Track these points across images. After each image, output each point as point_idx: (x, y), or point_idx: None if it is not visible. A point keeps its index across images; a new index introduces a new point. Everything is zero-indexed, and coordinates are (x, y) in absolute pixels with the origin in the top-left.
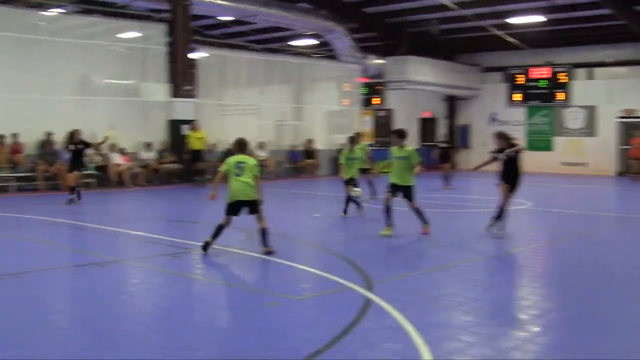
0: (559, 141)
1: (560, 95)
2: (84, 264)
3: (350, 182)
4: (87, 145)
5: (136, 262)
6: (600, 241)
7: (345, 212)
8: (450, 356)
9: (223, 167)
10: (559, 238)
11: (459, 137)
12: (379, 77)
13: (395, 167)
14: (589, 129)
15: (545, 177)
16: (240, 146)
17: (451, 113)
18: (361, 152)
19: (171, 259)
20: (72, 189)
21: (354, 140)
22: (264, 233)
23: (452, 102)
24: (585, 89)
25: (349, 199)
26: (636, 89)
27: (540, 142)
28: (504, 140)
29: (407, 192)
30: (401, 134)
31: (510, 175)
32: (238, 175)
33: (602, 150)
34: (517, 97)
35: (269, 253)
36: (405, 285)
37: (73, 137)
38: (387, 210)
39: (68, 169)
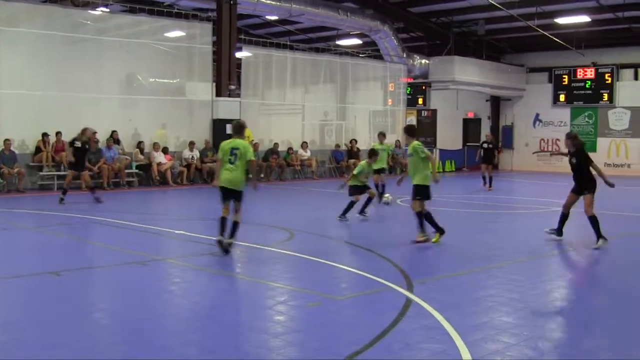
0: (602, 142)
1: (605, 96)
2: (126, 263)
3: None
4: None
5: (178, 261)
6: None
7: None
8: (491, 357)
9: (219, 154)
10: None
11: (502, 138)
12: (424, 77)
13: (409, 166)
14: (633, 130)
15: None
16: (236, 129)
17: (495, 113)
18: (383, 153)
19: (212, 258)
20: (65, 190)
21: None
22: (235, 226)
23: (496, 103)
24: (630, 90)
25: (369, 200)
26: None
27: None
28: (572, 141)
29: (415, 191)
30: (408, 131)
31: (576, 179)
32: (232, 162)
33: None
34: (562, 97)
35: (230, 245)
36: (446, 286)
37: (84, 134)
38: (422, 217)
39: (68, 166)
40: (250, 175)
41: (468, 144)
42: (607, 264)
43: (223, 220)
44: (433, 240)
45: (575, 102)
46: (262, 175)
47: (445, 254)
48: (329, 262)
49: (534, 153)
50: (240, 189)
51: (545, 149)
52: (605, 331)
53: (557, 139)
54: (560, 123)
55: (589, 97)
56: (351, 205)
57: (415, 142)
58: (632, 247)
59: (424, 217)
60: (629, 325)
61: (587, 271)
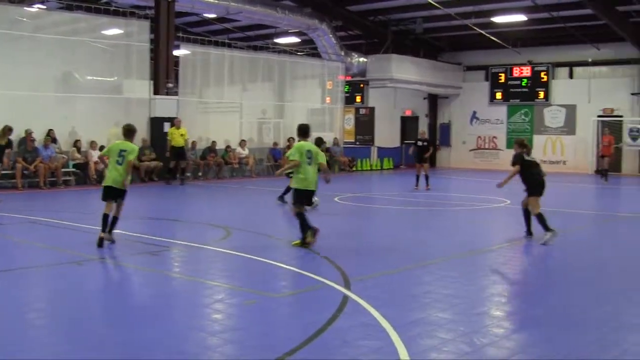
0: (538, 139)
1: (541, 94)
2: (62, 263)
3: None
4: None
5: (115, 261)
6: (575, 239)
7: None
8: (427, 353)
9: (104, 151)
10: (537, 236)
11: (440, 135)
12: (362, 75)
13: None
14: (569, 128)
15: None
16: (126, 132)
17: (432, 111)
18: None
19: (150, 257)
20: None
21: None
22: (114, 221)
23: (434, 101)
24: (565, 88)
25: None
26: (616, 89)
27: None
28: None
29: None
30: (299, 130)
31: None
32: (119, 163)
33: (580, 148)
34: (498, 95)
35: (107, 240)
36: (383, 283)
37: (5, 133)
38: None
39: None
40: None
41: (406, 141)
42: (542, 260)
43: (105, 217)
44: (293, 243)
45: (511, 100)
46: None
47: (382, 251)
48: (266, 260)
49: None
50: (123, 188)
51: (482, 147)
52: (540, 326)
53: (494, 137)
54: (497, 121)
55: (525, 95)
56: (289, 188)
57: (298, 144)
58: (566, 244)
59: (299, 220)
60: (563, 320)
61: (521, 267)
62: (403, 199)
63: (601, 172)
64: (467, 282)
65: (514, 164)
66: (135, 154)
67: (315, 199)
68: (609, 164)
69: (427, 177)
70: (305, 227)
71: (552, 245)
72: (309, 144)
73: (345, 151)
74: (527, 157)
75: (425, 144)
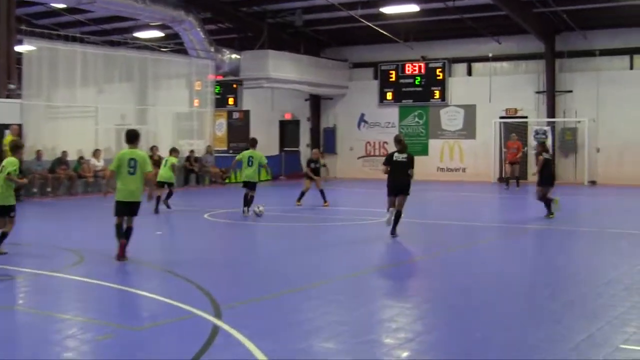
0: (434, 144)
1: (436, 94)
2: None
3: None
4: None
5: None
6: (475, 255)
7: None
8: None
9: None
10: (433, 252)
11: (324, 142)
12: (235, 74)
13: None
14: (468, 131)
15: (418, 184)
16: (13, 148)
17: (315, 114)
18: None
19: None
20: None
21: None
22: (3, 235)
23: (317, 102)
24: (463, 87)
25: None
26: (519, 86)
27: (414, 146)
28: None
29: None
30: (127, 136)
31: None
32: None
33: (481, 154)
34: (389, 95)
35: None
36: (259, 310)
37: None
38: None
39: None
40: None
41: (286, 149)
42: (438, 280)
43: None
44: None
45: (403, 101)
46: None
47: (257, 274)
48: (125, 288)
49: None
50: (7, 204)
51: (372, 153)
52: (437, 353)
53: (385, 142)
54: (388, 124)
55: (418, 94)
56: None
57: (120, 152)
58: (465, 261)
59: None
60: (462, 347)
61: (415, 288)
62: (283, 214)
63: (507, 180)
64: (353, 306)
65: (384, 163)
66: (12, 169)
67: (260, 207)
68: (518, 172)
69: (322, 192)
70: (118, 236)
71: (450, 264)
72: (133, 152)
73: (217, 161)
74: (395, 157)
75: (318, 165)
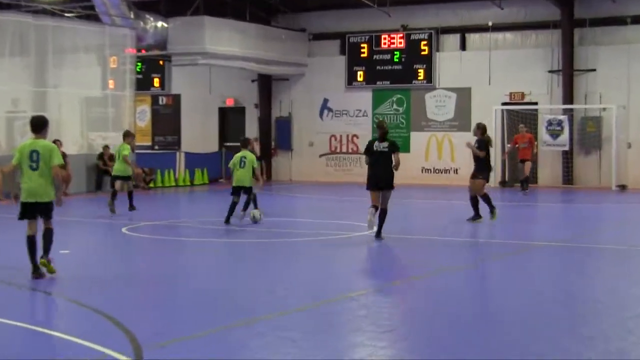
0: (418, 139)
1: (420, 73)
2: None
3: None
4: None
5: None
6: (469, 277)
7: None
8: None
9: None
10: (416, 274)
11: (277, 135)
12: (161, 48)
13: None
14: (461, 122)
15: (399, 189)
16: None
17: (265, 100)
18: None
19: None
20: None
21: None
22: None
23: (267, 84)
24: (455, 64)
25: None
26: (527, 64)
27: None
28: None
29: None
30: (31, 125)
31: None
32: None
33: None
34: (360, 76)
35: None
36: (192, 350)
37: None
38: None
39: None
40: None
41: (227, 144)
42: (418, 310)
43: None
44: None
45: (379, 83)
46: None
47: (191, 305)
48: (18, 323)
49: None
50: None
51: (338, 150)
52: None
53: (355, 135)
54: (359, 112)
55: (398, 74)
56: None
57: (21, 144)
58: (450, 286)
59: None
60: None
61: (391, 320)
62: (224, 228)
63: (522, 182)
64: (312, 345)
65: (364, 153)
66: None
67: (256, 211)
68: (529, 171)
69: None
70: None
71: (437, 290)
72: (35, 142)
73: (139, 159)
74: (375, 146)
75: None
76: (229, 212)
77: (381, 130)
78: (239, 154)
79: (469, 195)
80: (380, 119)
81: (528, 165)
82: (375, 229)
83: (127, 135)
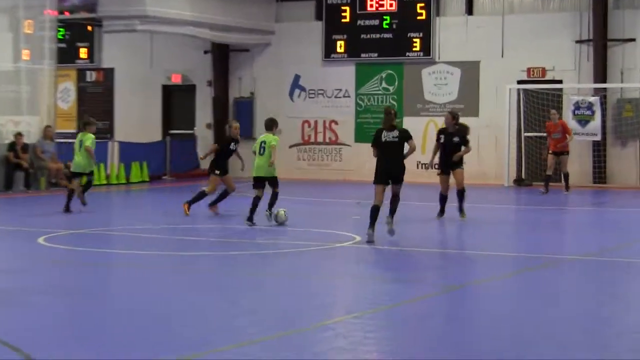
0: (413, 125)
1: (416, 44)
2: None
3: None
4: None
5: None
6: (480, 295)
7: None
8: None
9: None
10: (416, 294)
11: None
12: (88, 10)
13: None
14: (467, 104)
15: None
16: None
17: (221, 76)
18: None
19: None
20: None
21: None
22: None
23: (223, 57)
24: (459, 33)
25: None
26: (550, 32)
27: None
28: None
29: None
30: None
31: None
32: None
33: (488, 140)
34: (340, 46)
35: None
36: None
37: None
38: None
39: None
40: None
41: (172, 131)
42: (417, 333)
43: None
44: None
45: (364, 55)
46: None
47: (131, 335)
48: None
49: None
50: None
51: (313, 140)
52: None
53: (334, 121)
54: (339, 92)
55: (388, 45)
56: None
57: None
58: (455, 305)
59: None
60: None
61: (379, 350)
62: (171, 237)
63: (546, 180)
64: None
65: (372, 145)
66: None
67: (281, 210)
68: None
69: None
70: None
71: (441, 312)
72: None
73: (62, 151)
74: (384, 137)
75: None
76: (251, 209)
77: (389, 117)
78: (260, 138)
79: (440, 193)
80: (389, 107)
81: (565, 159)
82: (374, 240)
83: (88, 124)
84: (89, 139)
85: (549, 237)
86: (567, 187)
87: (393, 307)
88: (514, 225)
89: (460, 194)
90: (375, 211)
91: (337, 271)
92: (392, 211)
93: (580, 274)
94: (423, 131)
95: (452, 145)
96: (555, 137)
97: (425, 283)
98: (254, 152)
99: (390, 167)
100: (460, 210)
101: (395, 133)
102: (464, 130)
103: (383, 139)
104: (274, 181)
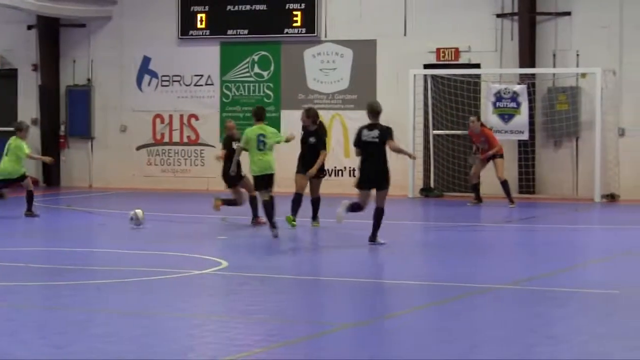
0: (293, 121)
1: (297, 18)
2: None
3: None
4: None
5: None
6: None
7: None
8: None
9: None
10: (310, 331)
11: (68, 113)
12: None
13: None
14: (360, 94)
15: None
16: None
17: (49, 60)
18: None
19: None
20: None
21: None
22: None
23: (52, 35)
24: (353, 4)
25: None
26: (465, 3)
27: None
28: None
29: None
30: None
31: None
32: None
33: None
34: (201, 21)
35: None
36: None
37: None
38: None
39: None
40: None
41: None
42: None
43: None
44: None
45: (231, 32)
46: None
47: None
48: None
49: None
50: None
51: (166, 140)
52: None
53: (193, 115)
54: (200, 79)
55: (261, 19)
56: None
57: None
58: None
59: None
60: None
61: None
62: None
63: (475, 188)
64: None
65: (354, 145)
66: None
67: (139, 211)
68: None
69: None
70: None
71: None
72: None
73: None
74: (364, 136)
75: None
76: (267, 215)
77: (372, 116)
78: (252, 130)
79: (295, 192)
80: (374, 102)
81: (500, 163)
82: (343, 223)
83: (20, 130)
84: (23, 148)
85: (459, 262)
86: (510, 200)
87: (268, 349)
88: (419, 246)
89: (315, 202)
90: (352, 205)
91: (196, 306)
92: (376, 227)
93: (503, 307)
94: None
95: (309, 146)
96: (482, 147)
97: (310, 321)
98: (243, 149)
99: (371, 170)
100: (314, 217)
101: (375, 133)
102: (323, 131)
103: (363, 138)
104: (271, 179)
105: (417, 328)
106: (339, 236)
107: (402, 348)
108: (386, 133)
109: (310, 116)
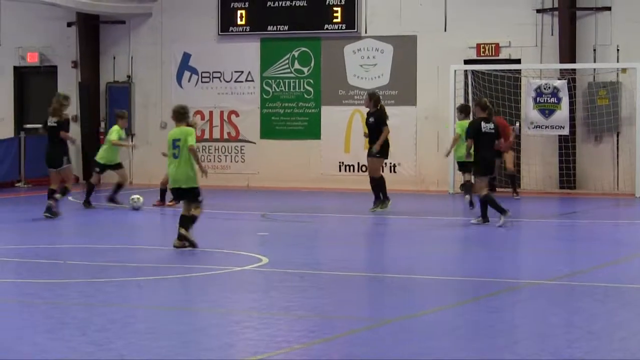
0: (333, 117)
1: (337, 14)
2: None
3: None
4: None
5: None
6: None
7: None
8: None
9: None
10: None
11: (107, 110)
12: None
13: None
14: (401, 90)
15: (300, 195)
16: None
17: (90, 53)
18: None
19: None
20: None
21: None
22: None
23: (93, 31)
24: (393, 0)
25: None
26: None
27: (294, 121)
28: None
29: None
30: None
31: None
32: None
33: (428, 136)
34: (241, 18)
35: None
36: None
37: None
38: None
39: None
40: None
41: (28, 125)
42: None
43: None
44: None
45: (271, 28)
46: None
47: None
48: None
49: None
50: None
51: (208, 136)
52: None
53: (234, 112)
54: (240, 75)
55: (301, 15)
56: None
57: None
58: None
59: None
60: None
61: None
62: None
63: (512, 184)
64: None
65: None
66: None
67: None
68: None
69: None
70: None
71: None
72: None
73: None
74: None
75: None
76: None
77: (484, 109)
78: (171, 134)
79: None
80: (482, 98)
81: (510, 156)
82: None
83: (120, 117)
84: (116, 133)
85: (504, 257)
86: (514, 191)
87: (308, 346)
88: (459, 242)
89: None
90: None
91: (237, 302)
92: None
93: (543, 303)
94: (347, 124)
95: (369, 125)
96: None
97: (351, 316)
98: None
99: (489, 158)
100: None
101: (492, 125)
102: (382, 113)
103: (483, 130)
104: (194, 194)
105: (458, 324)
106: (379, 230)
107: (443, 344)
108: (497, 127)
109: (372, 100)
